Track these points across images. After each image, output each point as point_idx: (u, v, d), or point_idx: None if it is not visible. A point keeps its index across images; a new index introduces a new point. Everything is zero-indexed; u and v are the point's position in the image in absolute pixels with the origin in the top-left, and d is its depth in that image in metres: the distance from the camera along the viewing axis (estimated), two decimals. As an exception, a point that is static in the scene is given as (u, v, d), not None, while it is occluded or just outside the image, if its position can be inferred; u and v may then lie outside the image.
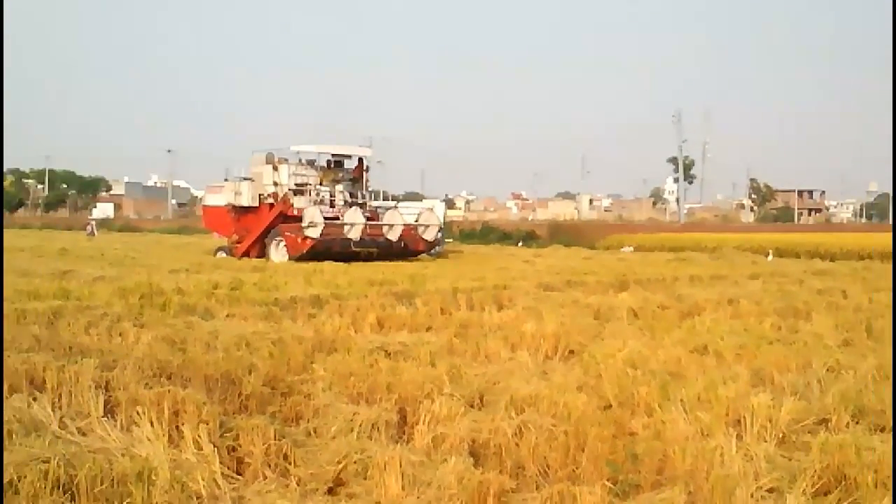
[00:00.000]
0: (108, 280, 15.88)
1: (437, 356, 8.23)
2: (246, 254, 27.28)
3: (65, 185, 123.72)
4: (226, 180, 29.90)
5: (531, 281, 17.10)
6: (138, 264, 22.42)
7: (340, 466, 5.19)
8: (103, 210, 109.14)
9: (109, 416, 6.05)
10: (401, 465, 4.96)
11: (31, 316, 10.43)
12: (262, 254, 27.07)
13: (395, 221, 28.03)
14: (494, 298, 13.91)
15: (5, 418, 5.43)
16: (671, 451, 5.40)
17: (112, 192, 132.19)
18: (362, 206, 28.39)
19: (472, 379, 7.40)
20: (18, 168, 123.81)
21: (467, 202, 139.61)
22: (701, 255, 31.72)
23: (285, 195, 27.58)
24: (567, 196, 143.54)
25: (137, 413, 5.67)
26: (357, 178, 29.69)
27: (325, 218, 26.29)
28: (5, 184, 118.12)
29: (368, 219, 27.54)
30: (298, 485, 5.07)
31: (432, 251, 29.31)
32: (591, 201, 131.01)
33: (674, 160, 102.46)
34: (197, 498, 4.69)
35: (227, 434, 5.61)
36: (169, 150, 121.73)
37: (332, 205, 28.29)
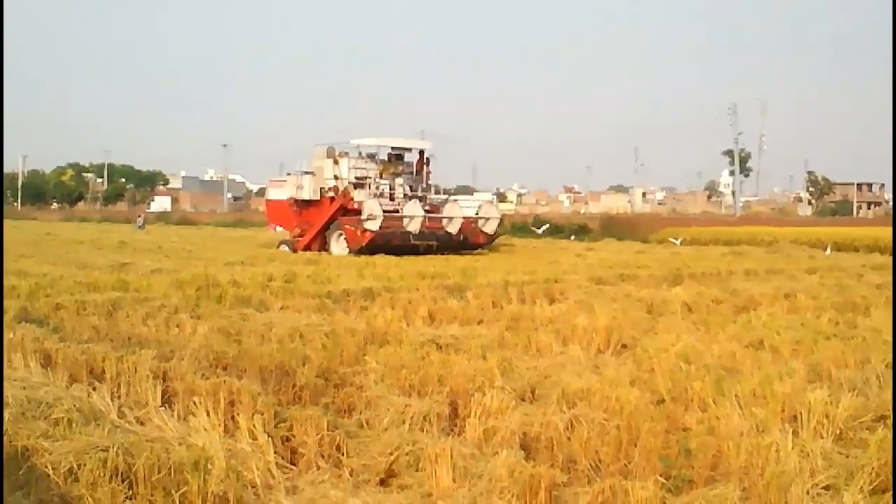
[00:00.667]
0: (166, 272, 16.14)
1: (488, 349, 8.21)
2: (307, 247, 27.26)
3: (123, 179, 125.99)
4: (288, 174, 29.81)
5: (583, 275, 16.98)
6: (195, 257, 22.75)
7: (392, 458, 5.22)
8: (161, 203, 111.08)
9: (166, 405, 6.16)
10: (452, 458, 4.97)
11: (90, 307, 10.65)
12: (323, 247, 27.06)
13: (455, 214, 27.94)
14: (546, 292, 13.86)
15: (65, 407, 5.55)
16: (725, 447, 5.33)
17: (169, 186, 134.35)
18: (422, 199, 28.28)
19: (524, 372, 7.38)
20: (78, 162, 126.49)
21: (519, 195, 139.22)
22: (757, 249, 31.20)
23: (345, 188, 27.51)
24: (620, 189, 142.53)
25: (194, 403, 5.76)
26: (418, 171, 29.57)
27: (385, 211, 26.19)
28: (65, 177, 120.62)
29: (428, 212, 27.44)
30: (351, 475, 5.11)
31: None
32: (644, 194, 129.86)
33: (729, 153, 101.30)
34: (252, 487, 4.74)
35: (282, 424, 5.69)
36: (224, 145, 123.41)
37: (391, 198, 28.17)
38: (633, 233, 45.27)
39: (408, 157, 29.89)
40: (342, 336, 8.85)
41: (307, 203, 28.32)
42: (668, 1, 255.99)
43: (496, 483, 4.74)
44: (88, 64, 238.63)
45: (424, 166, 29.66)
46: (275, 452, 5.14)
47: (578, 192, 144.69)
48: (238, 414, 5.72)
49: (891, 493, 4.80)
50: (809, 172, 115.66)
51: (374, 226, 25.63)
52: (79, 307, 10.64)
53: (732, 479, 4.98)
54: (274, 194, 30.15)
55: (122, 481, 4.60)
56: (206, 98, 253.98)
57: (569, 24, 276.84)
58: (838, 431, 5.81)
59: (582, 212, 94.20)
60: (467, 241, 27.99)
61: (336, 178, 27.84)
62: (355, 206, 26.92)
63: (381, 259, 21.48)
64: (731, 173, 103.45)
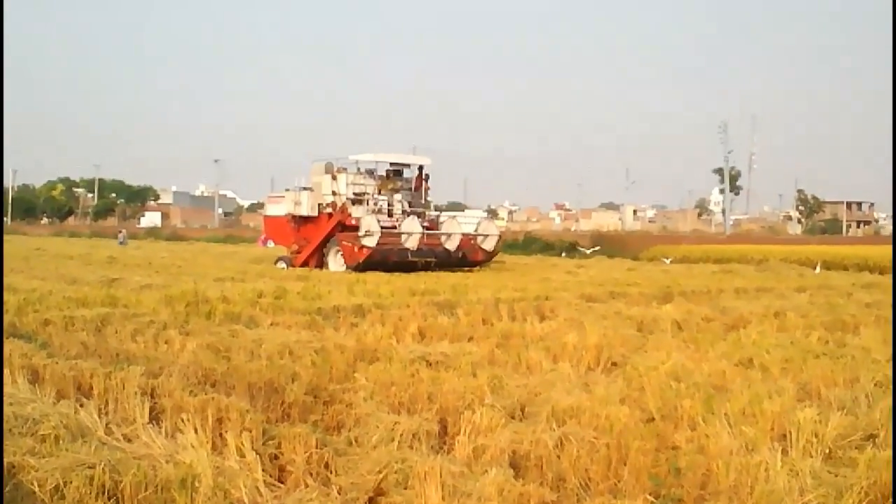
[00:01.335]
0: (155, 288, 16.10)
1: (478, 367, 8.21)
2: (305, 263, 27.11)
3: (114, 194, 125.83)
4: (287, 190, 29.71)
5: (573, 292, 17.02)
6: (184, 272, 22.71)
7: (381, 476, 5.20)
8: (151, 219, 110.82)
9: (154, 422, 6.13)
10: (441, 476, 4.94)
11: (79, 323, 10.62)
12: (321, 263, 26.92)
13: (454, 231, 27.88)
14: (536, 309, 13.87)
15: (53, 424, 5.52)
16: (715, 466, 5.32)
17: (160, 202, 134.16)
18: (420, 215, 28.12)
19: (514, 390, 7.36)
20: (69, 177, 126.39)
21: (510, 212, 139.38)
22: (746, 268, 31.35)
23: (343, 204, 27.45)
24: (611, 206, 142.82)
25: (182, 420, 5.74)
26: (417, 187, 29.46)
27: (383, 227, 26.09)
28: (55, 192, 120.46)
29: (427, 228, 27.34)
30: (339, 494, 5.09)
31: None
32: (634, 212, 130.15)
33: (719, 171, 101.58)
34: (239, 505, 4.72)
35: (270, 442, 5.66)
36: (216, 160, 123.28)
37: (390, 214, 28.08)
38: (624, 250, 45.44)
39: (406, 172, 29.81)
40: (332, 353, 8.84)
41: (305, 219, 28.26)
42: (660, 19, 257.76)
43: (485, 502, 4.73)
44: (79, 79, 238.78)
45: (423, 182, 29.60)
46: (263, 470, 5.11)
47: (569, 210, 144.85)
48: (226, 431, 5.70)
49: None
50: (799, 191, 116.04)
51: (371, 242, 25.52)
52: (67, 323, 10.60)
53: (722, 498, 4.99)
54: (272, 210, 30.09)
55: (109, 499, 4.58)
56: (196, 113, 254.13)
57: (560, 43, 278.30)
58: (827, 450, 5.81)
59: (573, 229, 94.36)
60: (466, 258, 27.89)
61: (334, 193, 27.79)
62: (353, 222, 26.79)
63: (371, 276, 21.48)
64: (721, 191, 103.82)
